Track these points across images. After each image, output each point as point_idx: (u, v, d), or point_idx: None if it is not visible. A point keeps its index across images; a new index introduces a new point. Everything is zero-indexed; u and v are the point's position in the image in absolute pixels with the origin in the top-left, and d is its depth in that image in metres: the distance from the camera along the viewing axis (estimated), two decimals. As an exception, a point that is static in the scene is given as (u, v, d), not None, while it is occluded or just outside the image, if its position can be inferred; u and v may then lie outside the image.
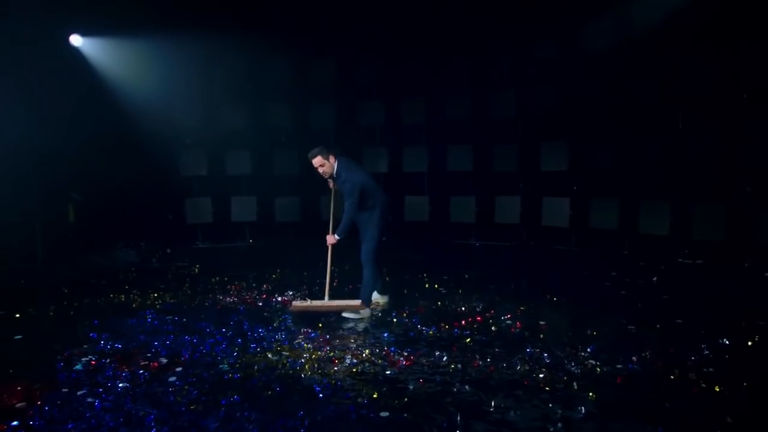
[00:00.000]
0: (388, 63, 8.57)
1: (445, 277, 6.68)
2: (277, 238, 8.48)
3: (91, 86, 7.75)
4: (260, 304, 5.63)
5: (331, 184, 5.29)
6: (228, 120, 8.54)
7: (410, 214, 8.39)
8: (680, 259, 6.40)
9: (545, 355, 3.94)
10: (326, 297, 5.11)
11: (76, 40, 7.54)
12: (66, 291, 6.29)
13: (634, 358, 3.82)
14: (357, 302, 5.05)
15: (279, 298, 5.81)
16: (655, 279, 6.42)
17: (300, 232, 8.64)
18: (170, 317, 5.12)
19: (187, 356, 4.03)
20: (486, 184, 8.03)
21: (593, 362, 3.78)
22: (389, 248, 8.29)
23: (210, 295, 5.99)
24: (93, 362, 3.92)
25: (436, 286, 6.32)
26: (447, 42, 8.06)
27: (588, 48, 7.00)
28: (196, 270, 7.58)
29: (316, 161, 4.99)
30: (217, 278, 6.88)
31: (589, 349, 4.02)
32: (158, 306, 5.58)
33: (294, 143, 8.70)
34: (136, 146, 8.04)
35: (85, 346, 4.27)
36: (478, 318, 4.97)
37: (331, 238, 5.05)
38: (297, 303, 5.17)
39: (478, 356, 3.95)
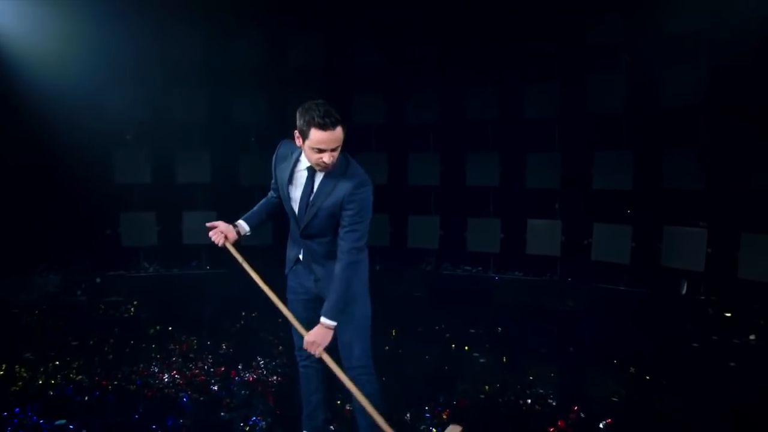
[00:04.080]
0: (392, 44, 6.67)
1: (471, 331, 4.90)
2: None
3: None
4: (215, 387, 3.69)
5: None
6: (181, 111, 6.52)
7: (415, 238, 6.57)
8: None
9: None
10: None
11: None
12: None
13: None
14: None
15: (246, 375, 3.88)
16: (753, 338, 4.79)
17: (271, 257, 6.70)
18: (63, 422, 3.13)
19: None
20: (514, 203, 6.22)
21: None
22: (384, 284, 6.20)
23: (140, 366, 4.01)
24: None
25: (466, 348, 4.51)
26: (469, 17, 6.24)
27: (667, 28, 5.27)
28: (132, 311, 5.58)
29: (340, 135, 2.32)
30: (158, 328, 4.92)
31: None
32: (51, 391, 3.58)
33: (265, 144, 6.76)
34: (56, 142, 5.95)
35: None
36: (561, 423, 3.16)
37: (323, 334, 2.40)
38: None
39: None
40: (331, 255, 2.48)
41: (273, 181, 2.64)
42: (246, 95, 6.69)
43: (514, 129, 6.22)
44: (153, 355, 4.24)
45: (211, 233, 2.63)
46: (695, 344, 4.69)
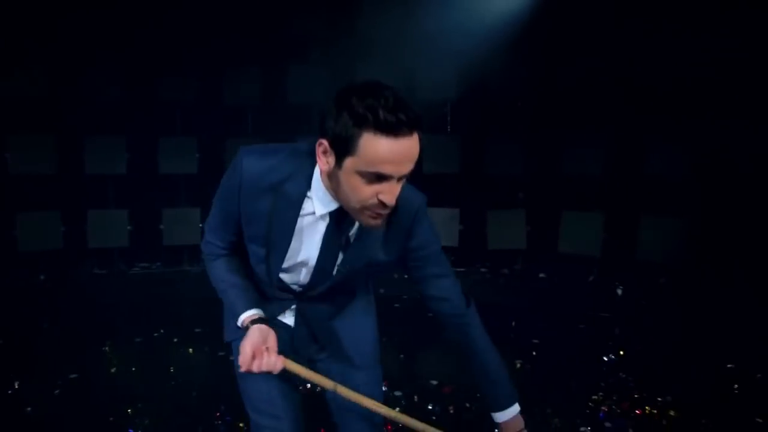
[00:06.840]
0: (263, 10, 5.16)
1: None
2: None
3: None
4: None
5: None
6: None
7: (172, 236, 5.09)
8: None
9: None
10: None
11: None
12: None
13: None
14: None
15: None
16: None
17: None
18: None
19: None
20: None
21: None
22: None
23: None
24: None
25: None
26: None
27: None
28: None
29: (417, 148, 1.06)
30: None
31: None
32: None
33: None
34: None
35: None
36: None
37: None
38: None
39: None
40: (342, 307, 1.45)
41: (229, 222, 1.29)
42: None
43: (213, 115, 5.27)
44: None
45: (253, 364, 1.21)
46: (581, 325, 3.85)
